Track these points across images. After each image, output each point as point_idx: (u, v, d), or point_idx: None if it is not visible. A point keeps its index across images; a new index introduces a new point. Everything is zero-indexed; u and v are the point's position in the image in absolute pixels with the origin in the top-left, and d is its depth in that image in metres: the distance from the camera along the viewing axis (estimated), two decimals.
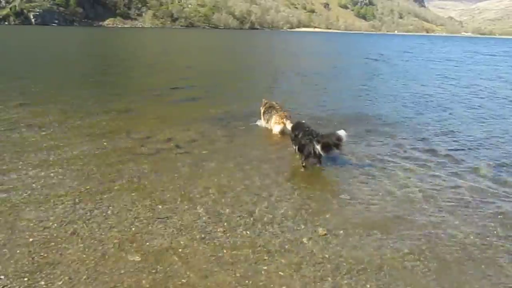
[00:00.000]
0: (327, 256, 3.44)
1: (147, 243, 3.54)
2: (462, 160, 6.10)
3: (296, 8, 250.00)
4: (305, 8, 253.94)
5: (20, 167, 5.16)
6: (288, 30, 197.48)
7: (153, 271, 3.16)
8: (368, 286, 3.08)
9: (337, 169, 5.59)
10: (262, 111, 7.70)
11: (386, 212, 4.30)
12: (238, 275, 3.15)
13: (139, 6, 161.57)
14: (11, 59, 20.69)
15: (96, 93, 10.85)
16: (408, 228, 3.98)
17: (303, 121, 6.15)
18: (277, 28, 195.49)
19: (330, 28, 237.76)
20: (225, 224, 3.92)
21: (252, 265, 3.28)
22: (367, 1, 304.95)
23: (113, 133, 6.87)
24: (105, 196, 4.41)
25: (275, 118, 7.21)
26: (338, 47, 48.53)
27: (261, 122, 7.70)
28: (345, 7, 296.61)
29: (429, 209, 4.40)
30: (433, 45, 60.17)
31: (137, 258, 3.30)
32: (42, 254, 3.32)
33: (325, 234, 3.79)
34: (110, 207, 4.16)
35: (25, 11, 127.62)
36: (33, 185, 4.63)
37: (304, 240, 3.69)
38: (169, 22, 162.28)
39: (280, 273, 3.19)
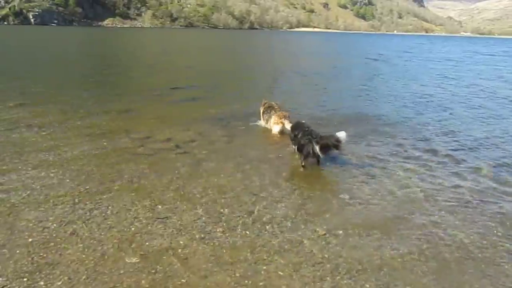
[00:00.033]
0: (326, 256, 3.44)
1: (147, 243, 3.53)
2: (463, 160, 6.10)
3: (296, 8, 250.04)
4: (304, 8, 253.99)
5: (19, 167, 5.15)
6: (288, 30, 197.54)
7: (153, 271, 3.16)
8: (368, 286, 3.08)
9: (337, 169, 5.59)
10: (261, 111, 7.70)
11: (386, 212, 4.31)
12: (237, 275, 3.15)
13: (139, 6, 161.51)
14: (11, 59, 20.68)
15: (96, 93, 10.84)
16: (408, 228, 3.98)
17: (303, 121, 6.15)
18: (277, 28, 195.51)
19: (329, 28, 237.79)
20: (225, 224, 3.92)
21: (252, 265, 3.28)
22: (366, 1, 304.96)
23: (113, 133, 6.87)
24: (104, 196, 4.41)
25: (274, 118, 7.22)
26: (337, 47, 48.56)
27: (261, 122, 7.70)
28: (344, 7, 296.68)
29: (429, 209, 4.40)
30: (433, 45, 60.22)
31: (135, 260, 3.30)
32: (41, 254, 3.32)
33: (325, 234, 3.79)
34: (110, 207, 4.16)
35: (24, 11, 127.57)
36: (33, 185, 4.62)
37: (304, 240, 3.68)
38: (168, 22, 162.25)
39: (279, 273, 3.19)
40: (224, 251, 3.47)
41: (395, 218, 4.18)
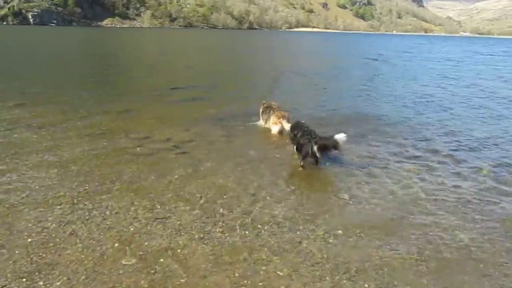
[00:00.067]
0: (326, 256, 3.44)
1: (146, 243, 3.53)
2: (463, 160, 6.11)
3: (295, 8, 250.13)
4: (303, 8, 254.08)
5: (19, 167, 5.15)
6: (287, 30, 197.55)
7: (152, 271, 3.15)
8: (367, 286, 3.08)
9: (337, 169, 5.59)
10: (260, 111, 7.71)
11: (386, 212, 4.31)
12: (237, 275, 3.15)
13: (138, 6, 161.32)
14: (10, 59, 20.66)
15: (95, 93, 10.83)
16: (408, 228, 3.98)
17: (303, 121, 6.16)
18: (276, 28, 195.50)
19: (328, 28, 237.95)
20: (224, 224, 3.92)
21: (251, 265, 3.28)
22: (365, 1, 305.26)
23: (113, 133, 6.87)
24: (104, 197, 4.41)
25: (272, 118, 7.25)
26: (337, 47, 48.59)
27: (261, 122, 7.71)
28: (343, 7, 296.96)
29: (430, 209, 4.40)
30: (432, 45, 60.28)
31: (135, 260, 3.29)
32: (40, 254, 3.32)
33: (324, 234, 3.79)
34: (109, 208, 4.16)
35: (23, 11, 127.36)
36: (32, 185, 4.62)
37: (303, 240, 3.68)
38: (167, 22, 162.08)
39: (278, 273, 3.19)
40: (223, 251, 3.47)
41: (395, 218, 4.18)
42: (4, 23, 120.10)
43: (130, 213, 4.07)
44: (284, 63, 23.86)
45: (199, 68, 19.21)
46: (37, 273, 3.08)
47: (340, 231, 3.86)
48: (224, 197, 4.52)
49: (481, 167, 5.82)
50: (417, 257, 3.48)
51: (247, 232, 3.78)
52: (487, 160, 6.15)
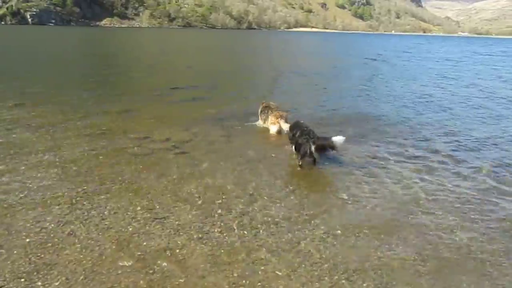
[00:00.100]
0: (324, 256, 3.44)
1: (144, 244, 3.53)
2: (463, 160, 6.12)
3: (294, 8, 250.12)
4: (302, 8, 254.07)
5: (17, 167, 5.14)
6: (286, 30, 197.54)
7: (150, 271, 3.15)
8: (365, 285, 3.08)
9: (336, 169, 5.59)
10: (259, 111, 7.73)
11: (386, 212, 4.31)
12: (235, 275, 3.15)
13: (137, 6, 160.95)
14: (9, 59, 20.61)
15: (95, 93, 10.81)
16: (407, 228, 3.98)
17: (302, 121, 6.16)
18: (275, 28, 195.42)
19: (327, 28, 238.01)
20: (222, 224, 3.92)
21: (250, 265, 3.28)
22: (364, 1, 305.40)
23: (112, 133, 6.86)
24: (102, 197, 4.40)
25: (270, 118, 7.27)
26: (336, 47, 48.61)
27: (260, 122, 7.72)
28: (342, 7, 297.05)
29: (429, 209, 4.41)
30: (431, 45, 60.35)
31: (133, 260, 3.29)
32: (39, 254, 3.31)
33: (323, 234, 3.79)
34: (108, 208, 4.15)
35: (21, 10, 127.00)
36: (31, 185, 4.61)
37: (302, 240, 3.68)
38: (166, 22, 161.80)
39: (277, 273, 3.19)
40: (222, 251, 3.47)
41: (394, 217, 4.19)
42: (3, 22, 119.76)
43: (128, 213, 4.07)
44: (284, 63, 23.86)
45: (199, 68, 19.20)
46: (35, 273, 3.07)
47: (339, 231, 3.86)
48: (223, 197, 4.52)
49: (481, 167, 5.83)
50: (416, 257, 3.48)
51: (245, 232, 3.78)
52: (487, 160, 6.16)
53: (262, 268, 3.25)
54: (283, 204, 4.39)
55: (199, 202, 4.37)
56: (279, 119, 7.12)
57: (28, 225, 3.77)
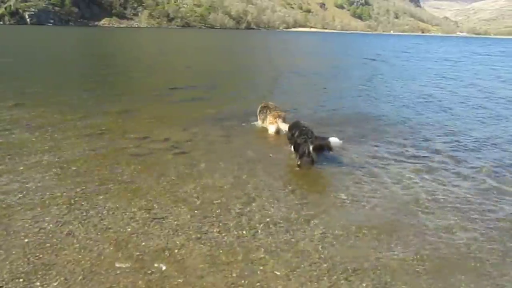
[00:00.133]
0: (323, 256, 3.44)
1: (143, 244, 3.52)
2: (463, 160, 6.11)
3: (292, 8, 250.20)
4: (301, 8, 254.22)
5: (16, 167, 5.12)
6: (284, 30, 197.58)
7: (149, 271, 3.15)
8: (364, 285, 3.08)
9: (335, 169, 5.59)
10: (258, 111, 7.73)
11: (385, 212, 4.31)
12: (234, 275, 3.14)
13: (135, 6, 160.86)
14: (9, 59, 20.54)
15: (95, 94, 10.80)
16: (406, 228, 3.98)
17: (301, 121, 6.16)
18: (273, 28, 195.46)
19: (326, 28, 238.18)
20: (221, 224, 3.91)
21: (248, 265, 3.27)
22: (363, 1, 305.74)
23: (112, 133, 6.85)
24: (101, 197, 4.39)
25: (269, 118, 7.28)
26: (335, 47, 48.65)
27: (259, 122, 7.72)
28: (341, 7, 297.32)
29: (429, 209, 4.40)
30: (430, 45, 60.45)
31: (132, 260, 3.28)
32: (37, 255, 3.30)
33: (322, 234, 3.79)
34: (106, 208, 4.15)
35: (20, 10, 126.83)
36: (29, 185, 4.60)
37: (300, 240, 3.68)
38: (165, 22, 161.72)
39: (276, 273, 3.19)
40: (221, 251, 3.46)
41: (393, 217, 4.18)
42: (1, 22, 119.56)
43: (127, 213, 4.06)
44: (283, 63, 23.86)
45: (198, 68, 19.19)
46: (34, 274, 3.06)
47: (338, 231, 3.86)
48: (222, 197, 4.51)
49: (481, 167, 5.83)
50: (416, 257, 3.48)
51: (244, 232, 3.77)
52: (487, 160, 6.16)
53: (261, 268, 3.24)
54: (282, 204, 4.39)
55: (198, 202, 4.37)
56: (277, 119, 7.13)
57: (27, 225, 3.76)
